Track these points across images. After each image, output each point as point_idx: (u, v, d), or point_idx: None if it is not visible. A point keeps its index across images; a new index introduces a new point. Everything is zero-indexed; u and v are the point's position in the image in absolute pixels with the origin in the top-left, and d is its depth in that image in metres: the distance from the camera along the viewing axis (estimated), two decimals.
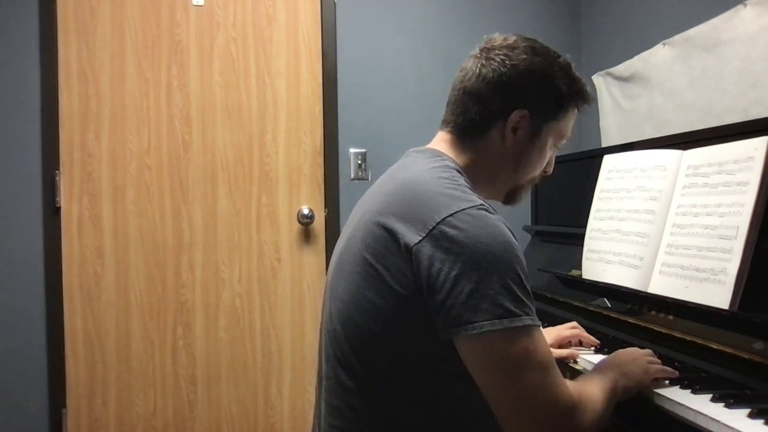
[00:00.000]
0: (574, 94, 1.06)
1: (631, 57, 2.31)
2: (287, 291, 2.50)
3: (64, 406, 2.32)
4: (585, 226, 1.65)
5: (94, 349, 2.35)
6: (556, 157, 1.16)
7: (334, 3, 2.53)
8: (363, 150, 2.55)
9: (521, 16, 2.74)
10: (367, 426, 0.97)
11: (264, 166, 2.48)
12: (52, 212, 2.31)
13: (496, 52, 1.03)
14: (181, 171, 2.42)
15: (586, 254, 1.62)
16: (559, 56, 1.06)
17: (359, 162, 2.55)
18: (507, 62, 1.01)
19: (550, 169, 1.14)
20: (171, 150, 2.41)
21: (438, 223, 0.88)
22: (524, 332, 0.86)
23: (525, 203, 2.27)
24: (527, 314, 0.87)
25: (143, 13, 2.39)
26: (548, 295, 1.77)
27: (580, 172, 1.87)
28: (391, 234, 0.92)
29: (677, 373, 1.09)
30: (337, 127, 2.53)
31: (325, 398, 1.03)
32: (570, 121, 1.09)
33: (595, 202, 1.66)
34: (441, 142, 1.08)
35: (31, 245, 2.29)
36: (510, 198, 1.13)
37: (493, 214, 0.91)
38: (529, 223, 2.26)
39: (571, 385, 0.91)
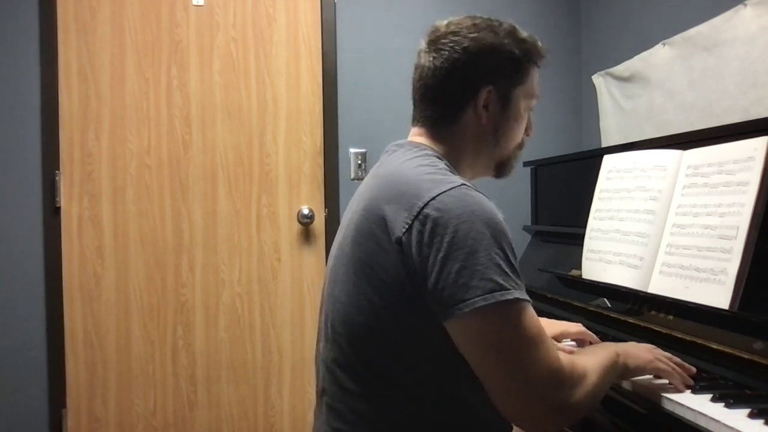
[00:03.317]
0: (528, 54, 1.07)
1: (631, 57, 2.31)
2: (287, 291, 2.50)
3: (64, 405, 2.32)
4: (585, 226, 1.65)
5: (94, 349, 2.35)
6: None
7: (334, 3, 2.53)
8: (363, 150, 2.55)
9: (521, 16, 2.68)
10: (371, 428, 0.97)
11: (264, 167, 2.48)
12: (52, 212, 2.31)
13: (443, 41, 1.05)
14: (181, 171, 2.42)
15: (586, 254, 1.62)
16: (501, 23, 1.08)
17: (359, 162, 2.55)
18: (457, 48, 1.03)
19: (531, 132, 1.15)
20: (171, 150, 2.41)
21: (421, 209, 0.89)
22: (514, 305, 0.86)
23: (524, 203, 2.31)
24: (516, 288, 0.87)
25: (143, 13, 2.39)
26: (548, 295, 1.76)
27: (580, 172, 1.87)
28: (382, 222, 0.93)
29: (686, 373, 1.08)
30: (337, 127, 2.53)
31: (326, 402, 1.03)
32: (534, 80, 1.10)
33: (595, 202, 1.65)
34: (417, 135, 1.10)
35: (31, 245, 2.29)
36: (501, 170, 1.14)
37: (475, 192, 0.92)
38: (529, 223, 2.25)
39: (564, 358, 0.90)
